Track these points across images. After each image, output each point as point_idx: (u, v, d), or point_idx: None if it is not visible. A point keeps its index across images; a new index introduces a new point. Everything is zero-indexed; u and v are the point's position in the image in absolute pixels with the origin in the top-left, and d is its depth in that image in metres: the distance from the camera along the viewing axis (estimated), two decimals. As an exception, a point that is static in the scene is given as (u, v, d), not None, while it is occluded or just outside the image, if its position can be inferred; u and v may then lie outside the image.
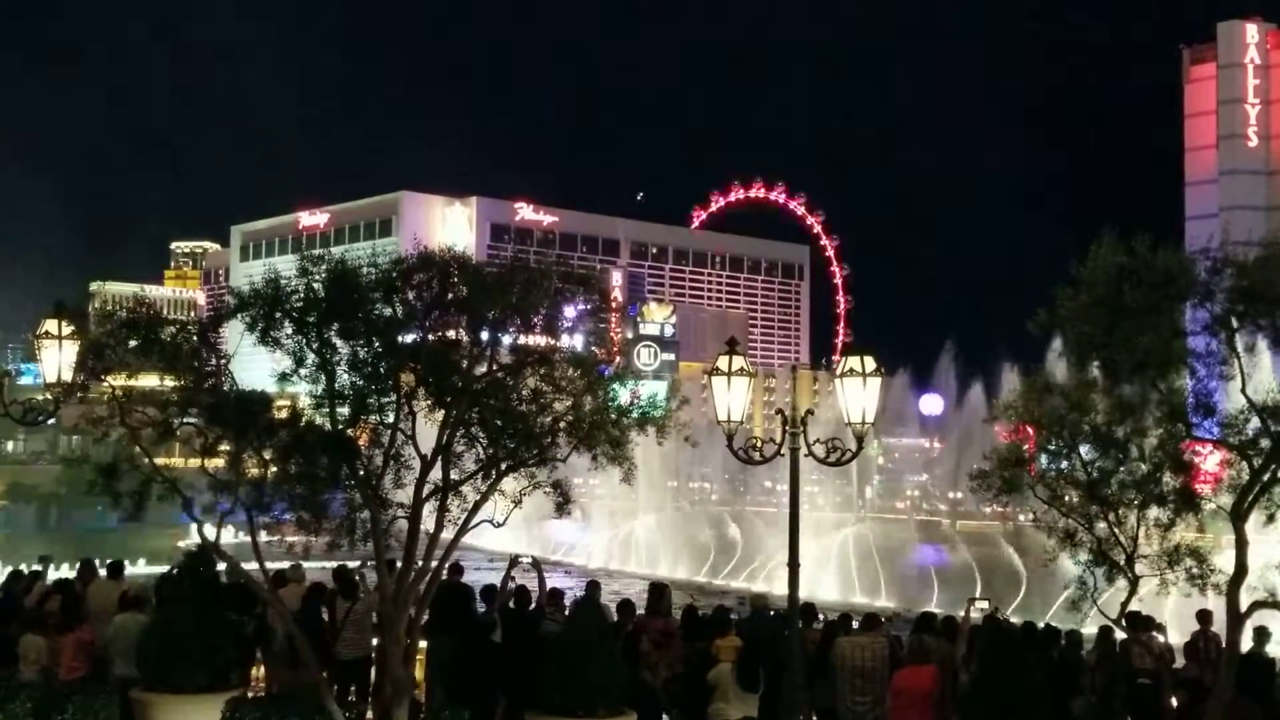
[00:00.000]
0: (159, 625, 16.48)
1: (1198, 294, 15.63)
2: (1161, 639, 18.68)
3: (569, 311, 15.72)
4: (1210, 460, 16.98)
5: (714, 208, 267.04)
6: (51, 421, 16.83)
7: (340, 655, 18.61)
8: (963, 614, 17.45)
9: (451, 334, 15.31)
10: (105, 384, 15.42)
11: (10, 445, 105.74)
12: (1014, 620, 18.42)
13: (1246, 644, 16.43)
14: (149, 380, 15.58)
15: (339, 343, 14.95)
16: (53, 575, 24.67)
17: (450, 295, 15.05)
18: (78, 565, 21.05)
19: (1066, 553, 16.35)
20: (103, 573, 20.35)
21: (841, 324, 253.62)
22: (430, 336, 15.20)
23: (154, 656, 16.24)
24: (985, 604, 17.33)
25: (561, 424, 15.27)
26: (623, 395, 15.68)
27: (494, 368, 15.27)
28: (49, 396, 15.49)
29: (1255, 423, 15.21)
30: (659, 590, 19.50)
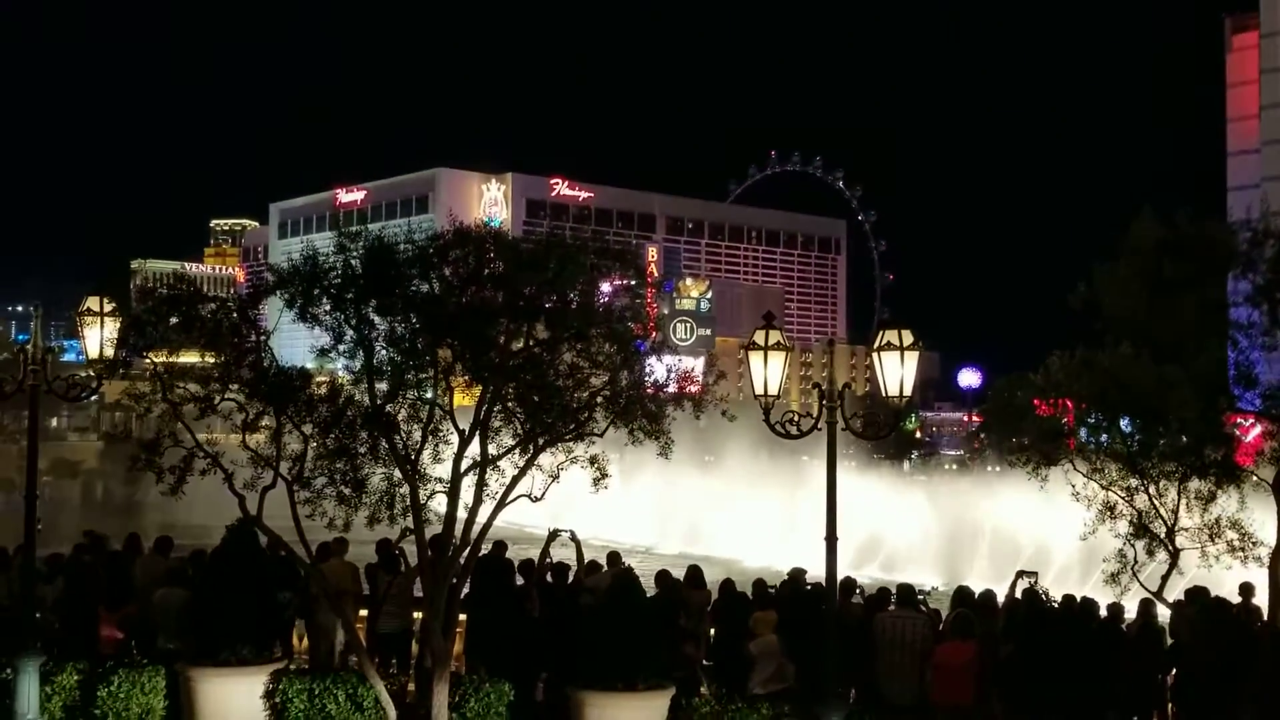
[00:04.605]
0: (202, 599, 16.65)
1: (1239, 265, 15.50)
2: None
3: (605, 287, 15.73)
4: (1251, 432, 16.87)
5: (750, 181, 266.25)
6: (94, 397, 17.01)
7: (380, 628, 18.78)
8: (1009, 586, 17.36)
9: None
10: (147, 360, 15.57)
11: (54, 421, 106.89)
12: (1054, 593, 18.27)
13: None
14: (190, 357, 15.72)
15: (377, 319, 15.03)
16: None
17: (487, 271, 15.09)
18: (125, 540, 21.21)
19: (1106, 525, 16.29)
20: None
21: (878, 299, 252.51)
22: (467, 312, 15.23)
23: (198, 630, 16.43)
24: (1034, 577, 17.20)
25: (598, 399, 15.31)
26: (659, 370, 15.69)
27: (531, 343, 15.31)
28: (91, 373, 15.66)
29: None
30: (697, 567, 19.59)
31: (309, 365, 15.57)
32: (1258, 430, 16.70)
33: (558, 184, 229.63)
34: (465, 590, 16.88)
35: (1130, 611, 17.60)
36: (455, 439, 15.22)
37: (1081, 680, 15.49)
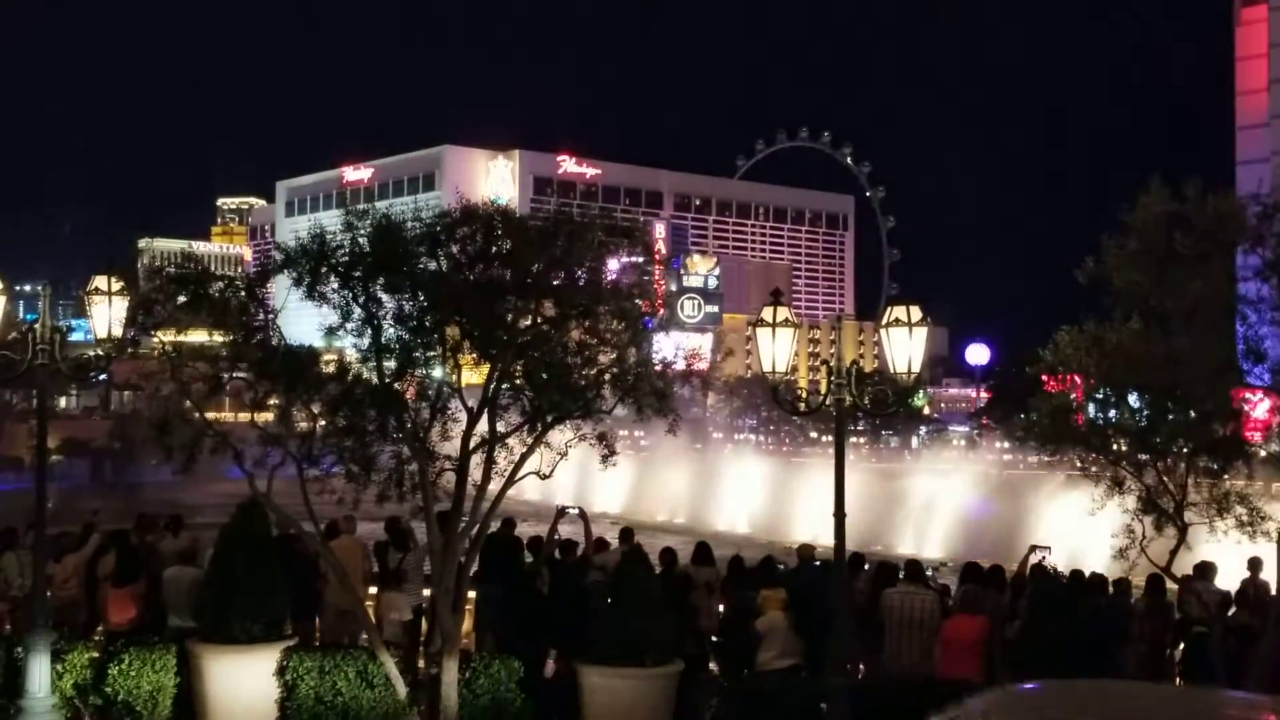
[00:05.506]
0: (213, 577, 16.70)
1: (1248, 239, 15.45)
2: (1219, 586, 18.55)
3: (613, 264, 15.71)
4: (1260, 408, 16.84)
5: (758, 157, 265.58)
6: (103, 377, 17.05)
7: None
8: (1022, 560, 17.35)
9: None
10: (156, 339, 15.59)
11: (63, 401, 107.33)
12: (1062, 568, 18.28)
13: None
14: (198, 335, 15.74)
15: (385, 297, 15.03)
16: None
17: (494, 248, 15.08)
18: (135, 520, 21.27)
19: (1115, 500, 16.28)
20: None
21: (887, 275, 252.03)
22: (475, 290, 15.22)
23: (209, 608, 16.49)
24: (1047, 551, 17.18)
25: (606, 376, 15.30)
26: (667, 347, 15.69)
27: (538, 320, 15.30)
28: (100, 352, 15.68)
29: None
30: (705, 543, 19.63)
31: (317, 344, 15.58)
32: (1266, 405, 16.67)
33: (565, 161, 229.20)
34: (474, 567, 16.92)
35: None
36: (463, 417, 15.25)
37: (1090, 655, 15.50)
